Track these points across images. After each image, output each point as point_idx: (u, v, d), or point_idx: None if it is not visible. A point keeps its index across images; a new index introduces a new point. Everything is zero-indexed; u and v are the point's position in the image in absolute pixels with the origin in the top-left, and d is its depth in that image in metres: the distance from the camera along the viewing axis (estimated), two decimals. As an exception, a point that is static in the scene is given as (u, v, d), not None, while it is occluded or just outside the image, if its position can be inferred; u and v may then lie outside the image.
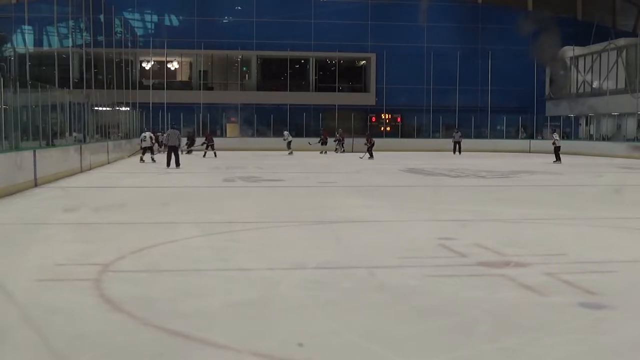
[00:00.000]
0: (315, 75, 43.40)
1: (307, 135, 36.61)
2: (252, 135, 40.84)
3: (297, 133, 37.03)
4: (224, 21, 42.87)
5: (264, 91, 42.55)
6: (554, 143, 26.75)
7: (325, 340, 4.25)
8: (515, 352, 4.03)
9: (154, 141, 25.92)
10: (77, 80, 32.53)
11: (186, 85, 43.18)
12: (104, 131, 28.16)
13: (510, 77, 41.91)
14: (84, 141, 22.10)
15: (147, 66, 42.51)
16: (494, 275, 6.00)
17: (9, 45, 37.49)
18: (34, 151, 14.70)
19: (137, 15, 42.44)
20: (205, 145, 29.53)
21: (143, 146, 25.06)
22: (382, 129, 42.66)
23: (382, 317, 4.75)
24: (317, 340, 4.23)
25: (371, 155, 28.72)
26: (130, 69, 39.40)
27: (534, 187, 16.50)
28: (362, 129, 39.30)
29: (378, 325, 4.52)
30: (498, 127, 43.40)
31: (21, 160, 13.75)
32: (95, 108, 26.95)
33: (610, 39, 37.56)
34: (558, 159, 26.01)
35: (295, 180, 18.03)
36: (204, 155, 28.70)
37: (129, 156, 28.33)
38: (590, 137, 39.55)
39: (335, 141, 35.30)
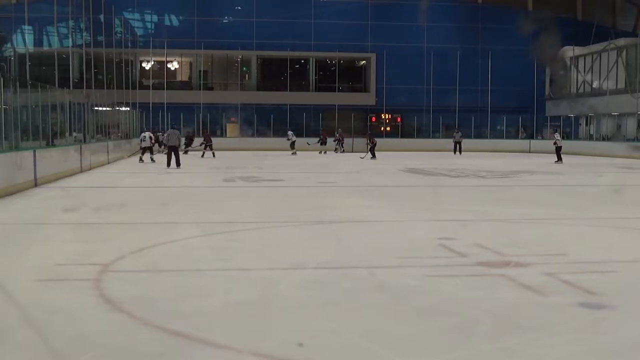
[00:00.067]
0: (315, 75, 43.40)
1: (307, 135, 36.60)
2: (252, 135, 40.84)
3: (297, 133, 36.92)
4: (224, 21, 42.87)
5: (264, 91, 42.55)
6: (555, 143, 26.76)
7: (325, 340, 4.25)
8: (515, 352, 4.03)
9: (153, 141, 25.92)
10: (77, 80, 32.54)
11: (186, 85, 43.18)
12: (105, 131, 28.17)
13: (510, 77, 41.91)
14: (84, 141, 22.11)
15: (147, 66, 42.51)
16: (494, 275, 6.00)
17: (9, 45, 37.49)
18: (34, 151, 14.70)
19: (137, 15, 42.44)
20: (203, 145, 29.51)
21: (142, 146, 25.06)
22: (382, 129, 42.64)
23: (382, 317, 4.75)
24: (317, 340, 4.23)
25: (373, 155, 28.72)
26: (130, 69, 39.41)
27: (534, 187, 16.50)
28: (362, 129, 39.33)
29: (378, 325, 4.52)
30: (498, 127, 43.40)
31: (21, 160, 13.75)
32: (95, 108, 26.96)
33: (610, 39, 37.55)
34: (559, 159, 26.03)
35: (295, 180, 18.03)
36: (202, 155, 28.69)
37: (128, 156, 28.32)
38: (590, 137, 39.54)
39: (334, 141, 35.30)
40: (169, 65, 42.67)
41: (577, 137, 40.62)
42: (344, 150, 34.93)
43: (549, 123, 42.83)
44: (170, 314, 4.71)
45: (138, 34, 41.56)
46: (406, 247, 7.47)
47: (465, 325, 4.55)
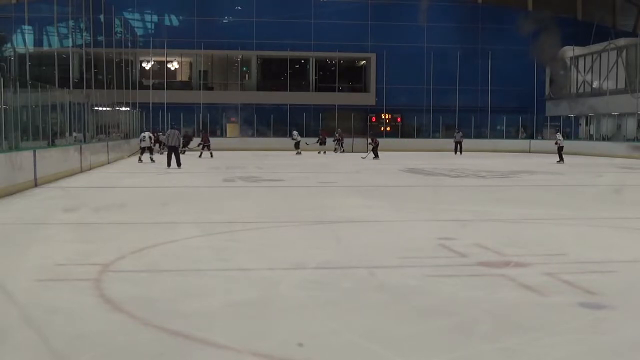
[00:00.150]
0: (315, 75, 43.40)
1: (307, 136, 36.61)
2: (252, 135, 40.84)
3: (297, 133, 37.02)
4: (224, 21, 42.87)
5: (264, 91, 42.55)
6: (556, 143, 26.78)
7: (325, 340, 4.25)
8: (515, 352, 4.03)
9: (153, 141, 25.91)
10: (77, 80, 32.53)
11: (186, 85, 43.18)
12: (105, 131, 28.17)
13: (510, 77, 41.91)
14: (84, 141, 22.10)
15: (147, 66, 42.51)
16: (494, 275, 6.00)
17: (9, 45, 37.49)
18: (34, 151, 14.70)
19: (137, 15, 42.45)
20: (201, 145, 29.49)
21: (142, 146, 25.06)
22: (382, 129, 42.63)
23: (382, 317, 4.75)
24: (317, 340, 4.23)
25: (376, 155, 28.72)
26: (130, 69, 39.41)
27: (534, 187, 16.50)
28: (362, 129, 39.34)
29: (378, 325, 4.52)
30: (498, 127, 43.42)
31: (21, 160, 13.74)
32: (95, 108, 26.96)
33: (610, 39, 37.55)
34: (561, 159, 26.04)
35: (295, 180, 18.03)
36: (200, 156, 28.65)
37: (128, 156, 28.32)
38: (590, 137, 39.55)
39: (334, 141, 35.30)
40: (169, 65, 42.67)
41: (577, 137, 40.62)
42: (343, 150, 34.93)
43: (549, 123, 42.85)
44: (170, 314, 4.71)
45: (138, 34, 41.56)
46: (406, 247, 7.47)
47: (465, 325, 4.55)
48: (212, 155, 28.56)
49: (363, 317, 4.73)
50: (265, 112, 41.14)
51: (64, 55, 33.02)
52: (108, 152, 24.33)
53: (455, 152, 34.72)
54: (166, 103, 39.92)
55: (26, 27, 37.46)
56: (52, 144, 18.79)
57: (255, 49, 41.60)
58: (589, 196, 14.72)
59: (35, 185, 14.20)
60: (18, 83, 16.58)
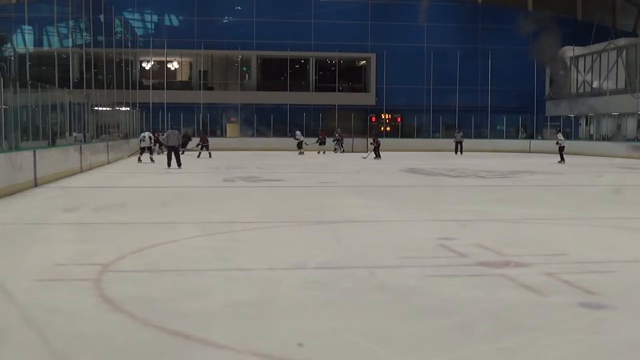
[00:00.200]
0: (315, 75, 43.40)
1: (307, 136, 36.60)
2: (252, 135, 40.85)
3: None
4: (224, 21, 42.87)
5: (264, 91, 42.55)
6: (557, 143, 26.78)
7: (325, 340, 4.25)
8: (515, 352, 4.03)
9: (152, 141, 25.91)
10: (77, 80, 32.54)
11: (186, 85, 43.18)
12: (105, 131, 28.17)
13: (510, 77, 41.91)
14: (84, 141, 22.11)
15: (147, 66, 42.52)
16: (494, 275, 6.00)
17: (9, 45, 37.49)
18: (34, 151, 14.70)
19: (137, 15, 42.45)
20: (199, 146, 29.47)
21: (142, 146, 25.06)
22: (382, 129, 42.62)
23: (382, 317, 4.75)
24: (317, 340, 4.23)
25: (378, 155, 28.72)
26: (130, 69, 39.41)
27: (534, 187, 16.50)
28: (362, 129, 39.34)
29: (378, 325, 4.52)
30: (498, 127, 43.41)
31: (21, 160, 13.74)
32: (95, 108, 26.95)
33: (610, 39, 37.55)
34: (562, 159, 26.05)
35: (295, 180, 18.03)
36: (199, 156, 28.63)
37: (128, 156, 28.33)
38: (590, 137, 39.54)
39: (334, 141, 35.29)
40: (169, 65, 42.67)
41: (577, 137, 40.63)
42: (343, 150, 34.93)
43: (549, 123, 42.85)
44: (170, 314, 4.71)
45: (138, 34, 41.56)
46: (406, 247, 7.47)
47: (465, 325, 4.55)
48: (210, 156, 28.57)
49: (363, 317, 4.73)
50: (265, 112, 41.14)
51: (64, 55, 33.02)
52: (108, 152, 24.34)
53: (456, 152, 34.71)
54: (166, 103, 39.92)
55: (26, 27, 37.47)
56: (52, 144, 18.79)
57: (255, 49, 41.60)
58: (589, 196, 14.73)
59: (35, 185, 14.21)
60: (18, 83, 16.58)
